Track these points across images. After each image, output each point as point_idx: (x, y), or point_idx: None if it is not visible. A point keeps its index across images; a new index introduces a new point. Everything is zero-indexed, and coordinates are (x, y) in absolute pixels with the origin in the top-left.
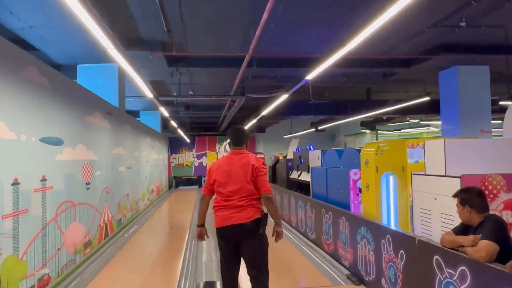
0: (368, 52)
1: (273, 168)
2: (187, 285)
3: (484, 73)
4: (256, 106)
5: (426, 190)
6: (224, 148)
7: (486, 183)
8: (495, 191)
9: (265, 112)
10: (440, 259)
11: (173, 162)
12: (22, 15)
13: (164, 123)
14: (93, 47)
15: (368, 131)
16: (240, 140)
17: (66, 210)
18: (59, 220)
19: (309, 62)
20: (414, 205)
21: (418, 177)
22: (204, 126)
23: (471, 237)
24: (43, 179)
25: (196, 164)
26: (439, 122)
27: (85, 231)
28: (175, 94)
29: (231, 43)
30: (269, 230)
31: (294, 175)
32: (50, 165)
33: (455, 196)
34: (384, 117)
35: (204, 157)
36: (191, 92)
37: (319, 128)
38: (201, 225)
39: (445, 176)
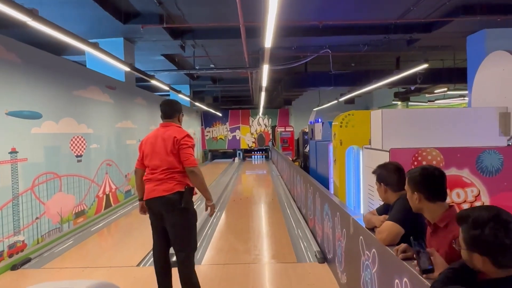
0: (381, 18)
1: (297, 142)
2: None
3: None
4: (278, 78)
5: (370, 165)
6: (257, 122)
7: (420, 158)
8: None
9: (264, 83)
10: (363, 240)
11: (207, 135)
12: None
13: (198, 97)
14: (98, 22)
15: (399, 102)
16: (169, 112)
17: (47, 181)
18: (37, 190)
19: (321, 30)
20: (363, 182)
21: (366, 151)
22: (237, 100)
23: (381, 217)
24: (13, 152)
25: (230, 138)
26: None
27: (76, 202)
28: (197, 68)
29: (228, 13)
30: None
31: (307, 148)
32: (23, 138)
33: (373, 172)
34: (412, 87)
35: (237, 131)
36: (212, 65)
37: (342, 99)
38: (141, 199)
39: (376, 149)
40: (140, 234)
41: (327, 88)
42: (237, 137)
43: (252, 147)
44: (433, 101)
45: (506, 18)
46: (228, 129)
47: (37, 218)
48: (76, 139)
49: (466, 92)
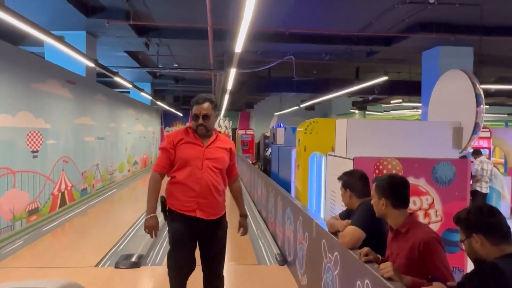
0: (344, 29)
1: (258, 145)
2: (107, 260)
3: (467, 55)
4: (242, 81)
5: (334, 172)
6: (218, 123)
7: (381, 167)
8: None
9: (229, 86)
10: (325, 244)
11: None
12: None
13: (159, 96)
14: (61, 14)
15: (357, 111)
16: None
17: (0, 177)
18: None
19: (286, 37)
20: (327, 187)
21: (330, 158)
22: None
23: (344, 222)
24: None
25: None
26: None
27: (30, 199)
28: (160, 66)
29: (196, 14)
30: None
31: (268, 152)
32: None
33: (339, 178)
34: (370, 97)
35: None
36: (176, 65)
37: (303, 105)
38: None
39: (340, 157)
40: (97, 234)
41: (289, 94)
42: None
43: None
44: (388, 111)
45: (458, 38)
46: None
47: None
48: (32, 134)
49: (420, 104)
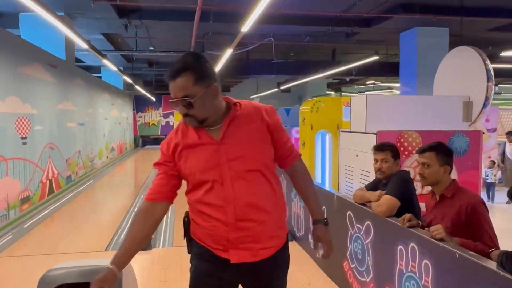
0: (328, 10)
1: None
2: (115, 244)
3: (443, 35)
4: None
5: (349, 147)
6: None
7: (402, 140)
8: (410, 148)
9: (218, 67)
10: (352, 215)
11: (139, 120)
12: None
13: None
14: None
15: (333, 92)
16: None
17: None
18: None
19: (268, 18)
20: (340, 162)
21: (344, 134)
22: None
23: (377, 193)
24: None
25: (163, 123)
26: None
27: (22, 187)
28: (135, 49)
29: None
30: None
31: None
32: None
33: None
34: (347, 79)
35: (171, 116)
36: (152, 48)
37: (283, 88)
38: None
39: (359, 132)
40: (93, 220)
41: (269, 76)
42: (171, 123)
43: None
44: (363, 92)
45: (440, 18)
46: (162, 115)
47: None
48: (21, 120)
49: (395, 84)
